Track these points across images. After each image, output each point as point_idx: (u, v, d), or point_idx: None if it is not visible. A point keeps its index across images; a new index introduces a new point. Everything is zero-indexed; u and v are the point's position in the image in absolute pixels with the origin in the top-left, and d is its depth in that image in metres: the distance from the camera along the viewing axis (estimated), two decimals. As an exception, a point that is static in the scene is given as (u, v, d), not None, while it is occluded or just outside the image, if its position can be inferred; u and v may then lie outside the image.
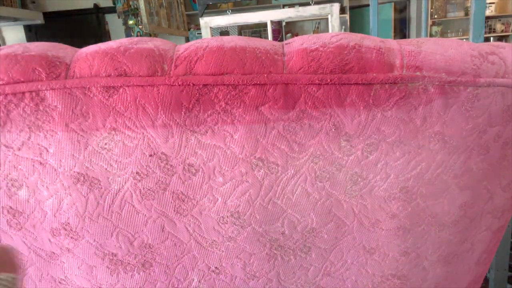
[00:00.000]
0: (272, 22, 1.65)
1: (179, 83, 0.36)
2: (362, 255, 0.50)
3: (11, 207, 0.39)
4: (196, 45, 0.38)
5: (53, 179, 0.38)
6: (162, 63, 0.36)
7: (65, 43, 0.41)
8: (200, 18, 1.67)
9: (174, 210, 0.42)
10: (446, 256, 0.53)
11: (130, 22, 4.21)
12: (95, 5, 4.44)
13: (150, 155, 0.38)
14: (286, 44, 0.40)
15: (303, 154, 0.40)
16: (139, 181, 0.40)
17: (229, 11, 1.75)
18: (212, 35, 1.68)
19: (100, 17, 4.49)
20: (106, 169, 0.38)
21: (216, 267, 0.48)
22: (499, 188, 0.49)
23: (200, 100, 0.36)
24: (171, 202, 0.41)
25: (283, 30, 4.12)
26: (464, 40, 0.51)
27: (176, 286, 0.49)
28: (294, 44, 0.39)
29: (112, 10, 4.34)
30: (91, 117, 0.36)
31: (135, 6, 4.11)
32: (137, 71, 0.35)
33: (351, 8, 4.39)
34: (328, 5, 1.56)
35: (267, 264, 0.49)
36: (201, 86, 0.36)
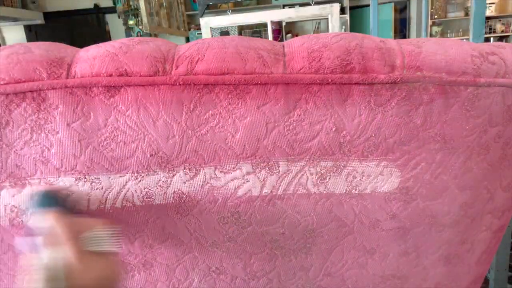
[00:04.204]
0: (272, 22, 1.66)
1: (180, 83, 0.36)
2: (362, 255, 0.50)
3: (14, 206, 0.39)
4: (197, 45, 0.38)
5: (55, 178, 0.38)
6: (163, 63, 0.36)
7: (65, 43, 0.41)
8: (200, 18, 1.67)
9: (174, 210, 0.42)
10: (446, 256, 0.53)
11: (131, 22, 4.21)
12: (95, 5, 4.44)
13: (151, 155, 0.38)
14: (286, 44, 0.41)
15: (303, 154, 0.40)
16: (140, 181, 0.40)
17: (229, 11, 1.75)
18: (212, 35, 1.68)
19: (100, 17, 4.49)
20: (107, 168, 0.38)
21: (216, 267, 0.48)
22: (499, 188, 0.49)
23: (201, 100, 0.36)
24: (172, 202, 0.42)
25: (283, 30, 4.12)
26: (464, 40, 0.51)
27: (176, 286, 0.49)
28: (295, 44, 0.40)
29: (112, 10, 4.34)
30: (92, 116, 0.36)
31: (135, 6, 4.11)
32: (138, 71, 0.35)
33: (351, 8, 4.39)
34: (328, 5, 1.56)
35: (267, 264, 0.49)
36: (202, 86, 0.36)
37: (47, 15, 3.93)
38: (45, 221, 0.34)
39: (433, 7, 4.35)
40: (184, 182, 0.40)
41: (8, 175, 0.38)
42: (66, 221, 0.34)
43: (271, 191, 0.42)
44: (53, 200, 0.37)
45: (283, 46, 0.40)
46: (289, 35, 4.36)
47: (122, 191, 0.40)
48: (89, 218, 0.36)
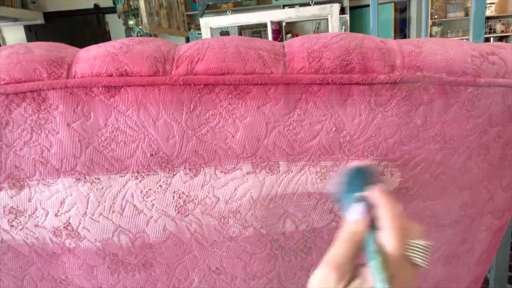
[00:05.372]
0: (272, 22, 1.66)
1: (180, 83, 0.36)
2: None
3: (12, 207, 0.39)
4: (197, 45, 0.38)
5: (54, 179, 0.38)
6: (163, 63, 0.36)
7: (65, 43, 0.41)
8: (200, 18, 1.67)
9: (175, 210, 0.42)
10: (447, 256, 0.53)
11: (131, 22, 4.21)
12: (95, 5, 4.44)
13: (151, 155, 0.38)
14: (286, 44, 0.41)
15: (304, 154, 0.40)
16: (140, 181, 0.40)
17: (229, 11, 1.75)
18: (212, 35, 1.68)
19: (100, 17, 4.49)
20: (107, 168, 0.38)
21: (216, 267, 0.48)
22: (499, 188, 0.49)
23: (201, 100, 0.36)
24: (172, 202, 0.42)
25: (283, 30, 4.12)
26: (464, 40, 0.52)
27: (176, 286, 0.49)
28: (295, 44, 0.40)
29: (112, 10, 4.34)
30: (93, 116, 0.36)
31: (135, 6, 4.11)
32: (138, 71, 0.35)
33: (351, 8, 4.39)
34: (328, 5, 1.57)
35: (267, 265, 0.49)
36: (202, 86, 0.36)
37: (47, 15, 3.94)
38: (373, 196, 0.34)
39: (433, 7, 4.35)
40: (185, 182, 0.40)
41: (7, 176, 0.38)
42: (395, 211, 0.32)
43: (271, 191, 0.42)
44: (369, 176, 0.37)
45: (283, 46, 0.40)
46: (289, 35, 4.37)
47: (122, 191, 0.40)
48: (415, 223, 0.33)
